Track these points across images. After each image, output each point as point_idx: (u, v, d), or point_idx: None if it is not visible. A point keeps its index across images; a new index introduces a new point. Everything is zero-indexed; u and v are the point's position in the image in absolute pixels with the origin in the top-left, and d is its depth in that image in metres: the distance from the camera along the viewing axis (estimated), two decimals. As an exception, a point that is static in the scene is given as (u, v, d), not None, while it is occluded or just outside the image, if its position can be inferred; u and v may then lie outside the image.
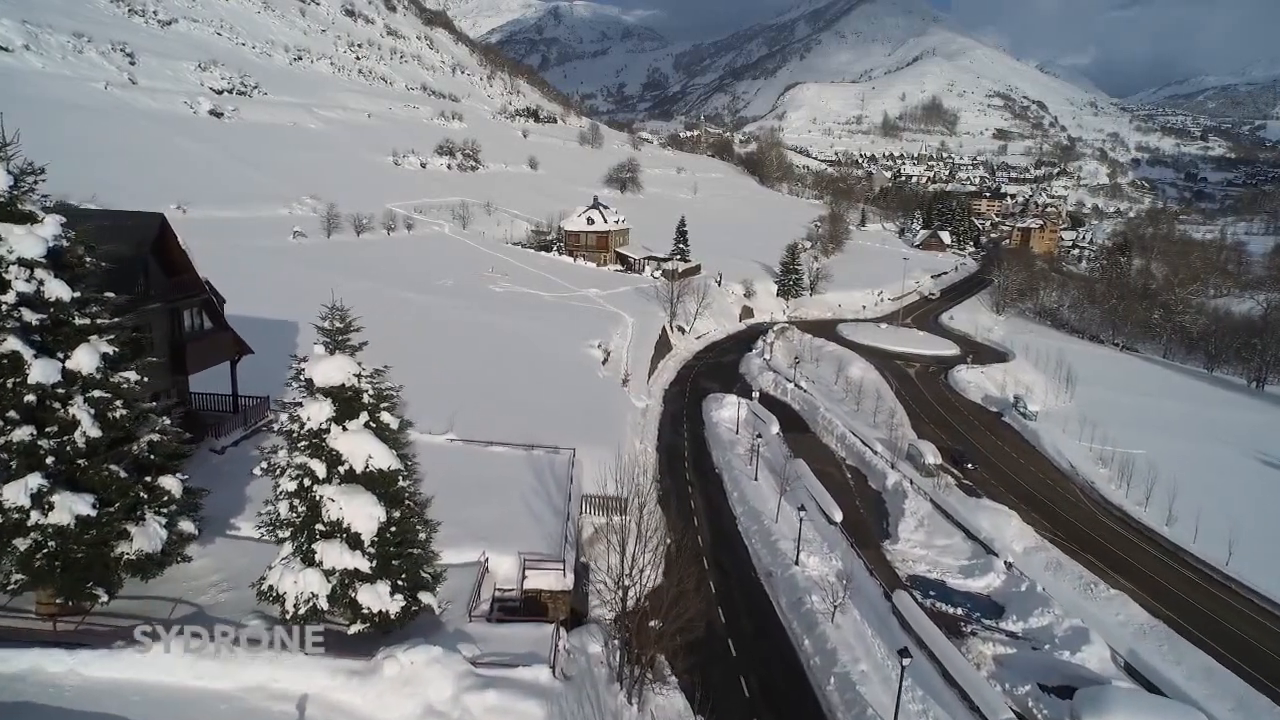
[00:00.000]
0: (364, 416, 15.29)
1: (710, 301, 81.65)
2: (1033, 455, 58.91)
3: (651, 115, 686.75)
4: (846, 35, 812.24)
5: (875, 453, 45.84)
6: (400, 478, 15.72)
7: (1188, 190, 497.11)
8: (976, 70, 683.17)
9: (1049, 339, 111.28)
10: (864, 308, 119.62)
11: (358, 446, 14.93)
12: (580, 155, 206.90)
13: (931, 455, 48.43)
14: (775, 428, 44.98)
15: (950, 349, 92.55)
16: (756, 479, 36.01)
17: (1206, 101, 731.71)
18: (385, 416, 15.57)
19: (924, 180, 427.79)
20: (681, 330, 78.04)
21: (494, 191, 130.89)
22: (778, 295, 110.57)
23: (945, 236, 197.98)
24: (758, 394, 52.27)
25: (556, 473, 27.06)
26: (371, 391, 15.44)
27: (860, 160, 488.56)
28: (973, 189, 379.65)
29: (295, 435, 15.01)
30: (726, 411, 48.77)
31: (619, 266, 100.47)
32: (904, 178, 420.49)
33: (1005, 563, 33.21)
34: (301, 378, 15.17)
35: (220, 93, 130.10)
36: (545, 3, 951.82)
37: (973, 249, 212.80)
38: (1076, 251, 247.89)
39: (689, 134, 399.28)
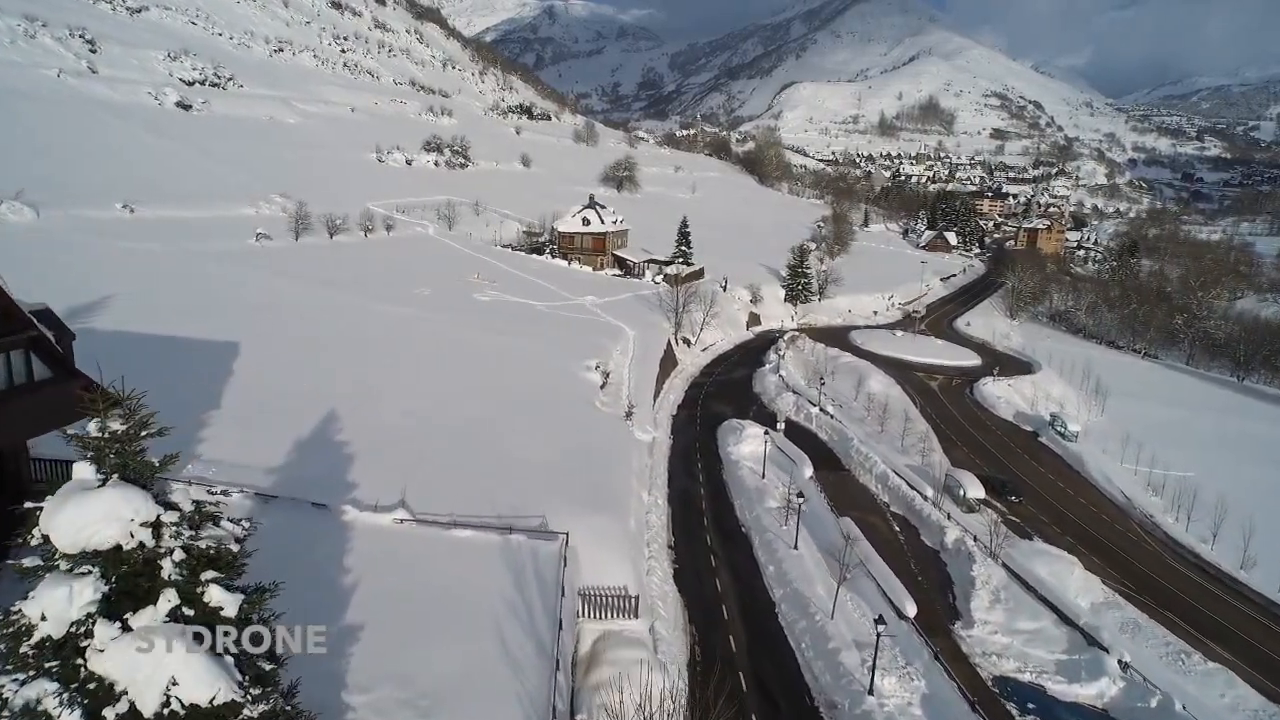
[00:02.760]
0: (168, 600, 7.98)
1: (718, 310, 74.50)
2: (1079, 483, 52.56)
3: (647, 115, 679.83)
4: (842, 35, 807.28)
5: (926, 498, 38.76)
6: (248, 704, 8.38)
7: (1185, 190, 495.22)
8: (973, 70, 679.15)
9: (1067, 345, 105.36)
10: (875, 313, 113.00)
11: (150, 665, 7.63)
12: (575, 153, 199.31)
13: (973, 487, 41.73)
14: (808, 470, 37.64)
15: (972, 359, 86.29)
16: (796, 547, 28.57)
17: (1200, 102, 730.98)
18: (215, 594, 8.23)
19: (924, 180, 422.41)
20: (687, 342, 70.85)
21: (484, 190, 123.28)
22: (785, 300, 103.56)
23: (951, 237, 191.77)
24: (783, 424, 44.91)
25: (542, 572, 19.64)
26: (183, 551, 8.09)
27: (858, 160, 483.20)
28: (973, 189, 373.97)
29: (16, 644, 7.67)
30: (746, 446, 41.48)
31: (617, 271, 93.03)
32: (903, 177, 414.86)
33: (1120, 662, 26.04)
34: (35, 534, 7.80)
35: (191, 84, 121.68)
36: (541, 1, 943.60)
37: (978, 250, 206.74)
38: (1082, 252, 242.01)
39: (685, 133, 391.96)
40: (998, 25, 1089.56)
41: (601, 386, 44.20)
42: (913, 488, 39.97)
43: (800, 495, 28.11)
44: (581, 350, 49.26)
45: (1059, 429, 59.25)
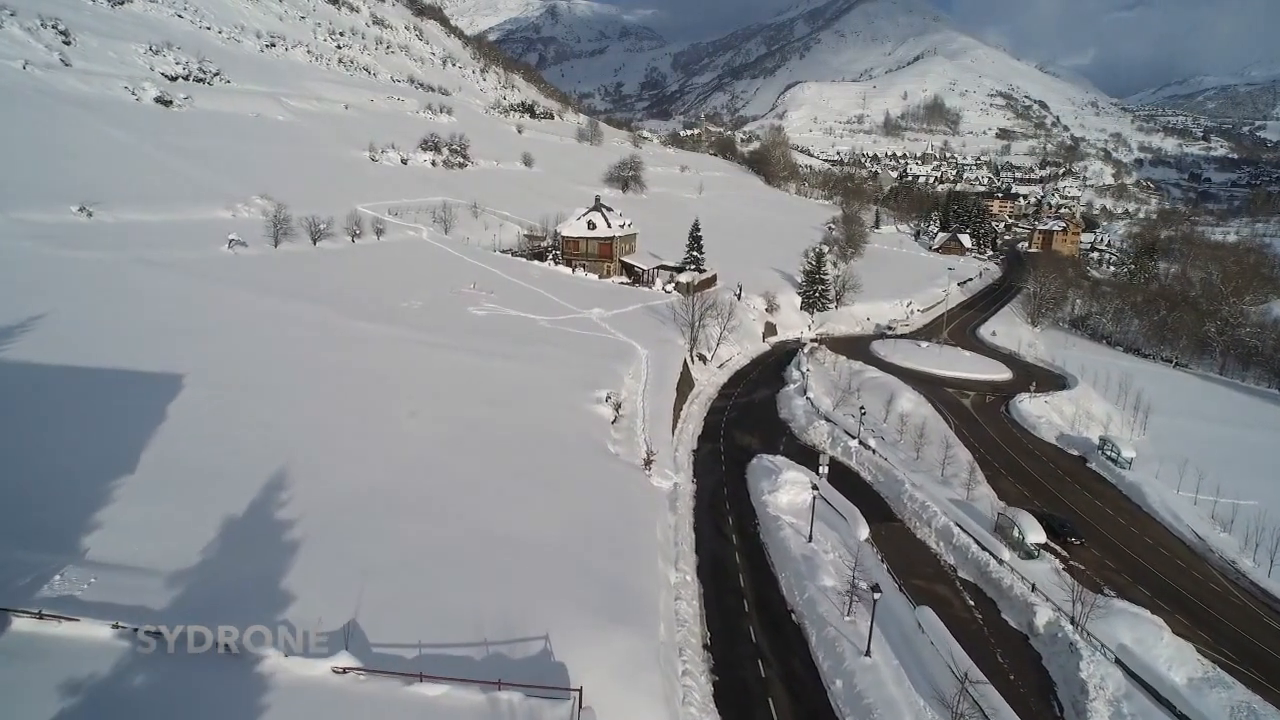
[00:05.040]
0: None
1: (736, 322, 68.22)
2: (1141, 519, 46.18)
3: (650, 114, 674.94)
4: (846, 34, 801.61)
5: (1002, 562, 32.38)
6: None
7: (1193, 191, 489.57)
8: (978, 70, 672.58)
9: (1094, 354, 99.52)
10: (893, 321, 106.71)
11: None
12: (578, 152, 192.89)
13: (1033, 531, 35.35)
14: (864, 530, 31.25)
15: (1003, 372, 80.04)
16: (869, 653, 22.20)
17: (1206, 102, 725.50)
18: None
19: (931, 180, 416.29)
20: (703, 359, 64.53)
21: (483, 190, 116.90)
22: (801, 308, 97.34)
23: (965, 239, 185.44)
24: (826, 468, 38.43)
25: (547, 766, 13.40)
26: None
27: (864, 160, 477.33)
28: (982, 189, 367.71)
29: None
30: (784, 494, 35.08)
31: (625, 279, 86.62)
32: (910, 177, 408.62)
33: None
34: None
35: (174, 79, 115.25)
36: (544, 1, 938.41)
37: (990, 252, 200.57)
38: (1096, 255, 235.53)
39: (689, 132, 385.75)
40: (1002, 25, 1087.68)
41: (613, 422, 37.89)
42: (984, 548, 33.58)
43: (876, 589, 21.62)
44: (589, 376, 42.91)
45: (1110, 454, 52.85)
